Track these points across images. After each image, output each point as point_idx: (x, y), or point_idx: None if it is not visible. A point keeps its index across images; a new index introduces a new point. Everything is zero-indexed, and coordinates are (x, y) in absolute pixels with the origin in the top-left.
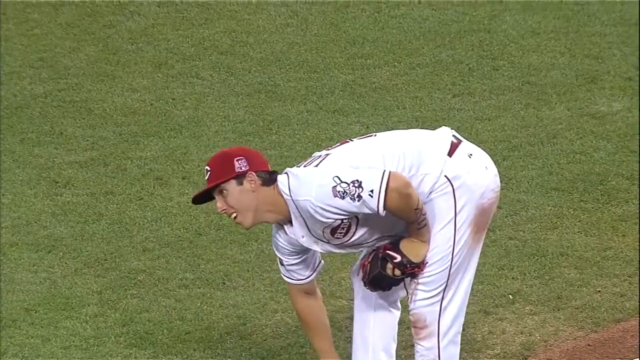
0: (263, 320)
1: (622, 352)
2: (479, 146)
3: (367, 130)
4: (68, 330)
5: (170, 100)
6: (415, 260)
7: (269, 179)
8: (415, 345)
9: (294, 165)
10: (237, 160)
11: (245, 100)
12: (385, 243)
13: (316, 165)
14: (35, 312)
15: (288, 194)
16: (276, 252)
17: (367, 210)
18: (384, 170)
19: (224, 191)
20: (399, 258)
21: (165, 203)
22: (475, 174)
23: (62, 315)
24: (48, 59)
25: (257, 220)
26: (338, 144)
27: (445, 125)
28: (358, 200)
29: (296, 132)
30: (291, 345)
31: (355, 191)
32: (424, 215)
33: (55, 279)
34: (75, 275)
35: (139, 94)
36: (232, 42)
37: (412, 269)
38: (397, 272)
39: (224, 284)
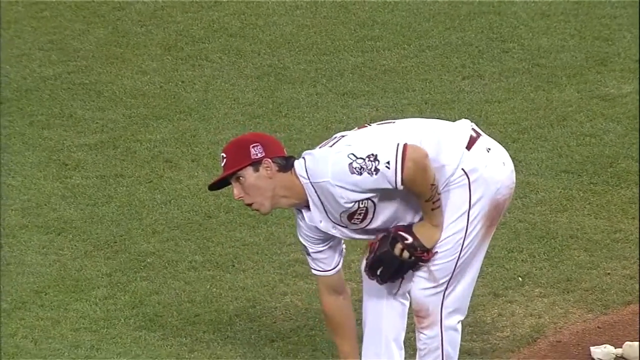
0: (272, 302)
1: (632, 334)
2: (489, 129)
3: (376, 113)
4: (78, 313)
5: (180, 83)
6: (426, 245)
7: (286, 164)
8: (418, 333)
9: (304, 149)
10: (253, 146)
11: (255, 83)
12: (397, 226)
13: (331, 146)
14: (45, 295)
15: (306, 176)
16: (301, 241)
17: (386, 185)
18: (399, 142)
19: (241, 178)
20: (410, 239)
21: (175, 186)
22: (492, 169)
23: (71, 298)
24: (57, 42)
25: (274, 206)
26: (356, 128)
27: (455, 108)
28: (376, 174)
29: (305, 114)
30: (300, 327)
31: (372, 165)
32: (439, 194)
33: (65, 261)
34: (85, 257)
35: (148, 77)
36: (242, 24)
37: (422, 253)
38: (406, 254)
39: (234, 266)
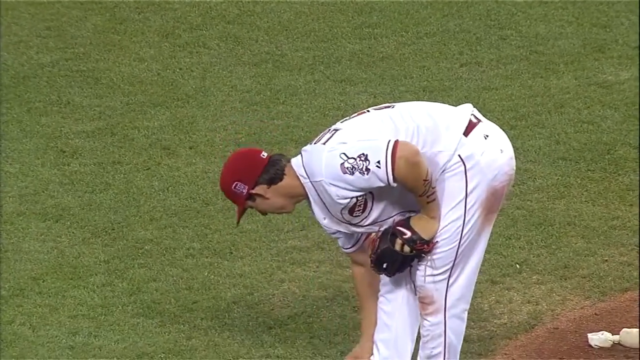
0: (270, 289)
1: (630, 321)
2: (486, 116)
3: (374, 100)
4: (75, 300)
5: (177, 70)
6: (425, 237)
7: (272, 175)
8: (422, 319)
9: (302, 137)
10: (234, 187)
11: (253, 70)
12: (397, 220)
13: (324, 143)
14: (43, 281)
15: (305, 176)
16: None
17: (379, 183)
18: (389, 140)
19: (253, 207)
20: (408, 234)
21: (173, 173)
22: (489, 156)
23: (69, 285)
24: (55, 28)
25: (294, 204)
26: (355, 115)
27: (453, 95)
28: (367, 173)
29: (303, 101)
30: (298, 314)
31: (363, 165)
32: (433, 188)
33: (63, 248)
34: (83, 244)
35: (146, 64)
36: (240, 11)
37: (422, 246)
38: (407, 248)
39: (231, 253)
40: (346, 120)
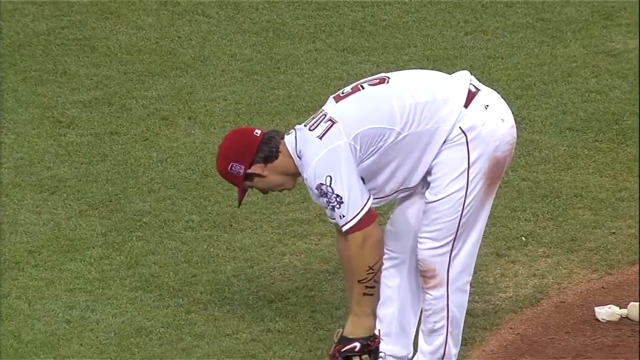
0: (271, 263)
1: (637, 294)
2: (492, 86)
3: (377, 69)
4: (72, 273)
5: (176, 39)
6: (363, 334)
7: (267, 154)
8: (424, 293)
9: (303, 107)
10: (231, 169)
11: (253, 39)
12: (335, 345)
13: (320, 137)
14: (39, 254)
15: (299, 161)
16: None
17: (334, 220)
18: (368, 209)
19: (252, 187)
20: (357, 345)
21: (171, 143)
22: (490, 126)
23: (66, 258)
24: None
25: (294, 183)
26: (349, 91)
27: (457, 64)
28: (331, 209)
29: (304, 71)
30: (299, 288)
31: (334, 201)
32: (375, 282)
33: (59, 220)
34: (80, 216)
35: (143, 32)
36: None
37: (374, 342)
38: (365, 356)
39: (231, 226)
40: (341, 101)
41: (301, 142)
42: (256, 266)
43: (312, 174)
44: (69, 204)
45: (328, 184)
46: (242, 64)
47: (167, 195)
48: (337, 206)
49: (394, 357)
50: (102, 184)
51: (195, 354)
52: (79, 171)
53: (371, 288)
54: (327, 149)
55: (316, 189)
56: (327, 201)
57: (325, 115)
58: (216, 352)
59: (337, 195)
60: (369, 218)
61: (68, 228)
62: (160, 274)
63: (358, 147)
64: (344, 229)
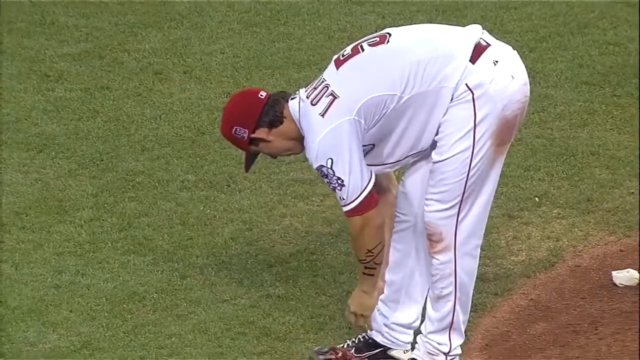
0: (270, 225)
1: None
2: (504, 38)
3: (383, 21)
4: (61, 235)
5: None
6: (358, 310)
7: (271, 118)
8: (431, 258)
9: (304, 60)
10: (234, 132)
11: None
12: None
13: (322, 114)
14: (26, 216)
15: (299, 125)
16: None
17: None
18: (368, 192)
19: (258, 150)
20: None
21: (165, 99)
22: (499, 84)
23: (54, 219)
24: None
25: (302, 147)
26: (350, 53)
27: (468, 15)
28: (332, 189)
29: (306, 22)
30: (300, 251)
31: (335, 183)
32: (376, 264)
33: (48, 180)
34: (69, 176)
35: None
36: None
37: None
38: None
39: (229, 186)
40: (342, 67)
41: (303, 117)
42: (255, 228)
43: (314, 155)
44: (58, 163)
45: (329, 166)
46: (240, 15)
47: (161, 153)
48: (338, 188)
49: (399, 324)
50: (92, 141)
51: (191, 320)
52: (68, 128)
53: (371, 269)
54: (329, 128)
55: (317, 170)
56: (327, 182)
57: (327, 87)
58: (213, 319)
59: (339, 178)
60: (370, 202)
61: (57, 188)
62: (154, 236)
63: (363, 121)
64: (344, 211)
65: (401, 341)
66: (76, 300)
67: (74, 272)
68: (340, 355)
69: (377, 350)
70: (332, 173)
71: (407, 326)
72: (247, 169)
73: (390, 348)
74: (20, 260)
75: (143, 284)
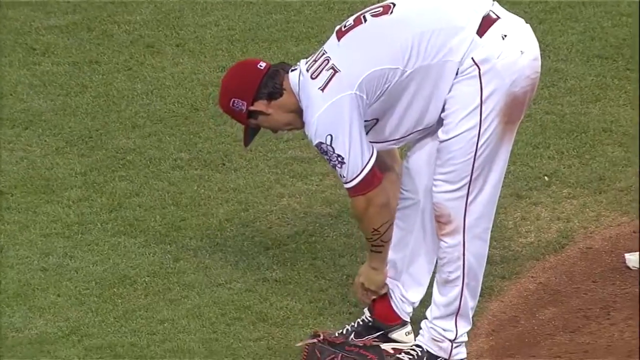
0: (267, 205)
1: None
2: (513, 9)
3: None
4: (48, 216)
5: None
6: (368, 285)
7: (270, 90)
8: (439, 241)
9: (302, 32)
10: (232, 104)
11: None
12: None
13: (322, 88)
14: (12, 196)
15: (302, 104)
16: None
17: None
18: (369, 170)
19: (258, 124)
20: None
21: (157, 74)
22: (507, 58)
23: (41, 199)
24: None
25: (302, 122)
26: (352, 23)
27: None
28: (332, 167)
29: None
30: (299, 233)
31: (335, 161)
32: (383, 242)
33: (34, 158)
34: (57, 154)
35: None
36: None
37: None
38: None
39: (224, 164)
40: (343, 38)
41: (303, 91)
42: (251, 209)
43: (313, 131)
44: (45, 140)
45: (329, 142)
46: None
47: (153, 130)
48: (339, 165)
49: (401, 296)
50: (81, 118)
51: (184, 305)
52: (55, 104)
53: (378, 247)
54: (328, 103)
55: (316, 147)
56: (327, 159)
57: (328, 60)
58: (207, 304)
59: (339, 155)
60: (372, 180)
61: (44, 167)
62: (145, 217)
63: (364, 95)
64: (346, 189)
65: (403, 310)
66: (64, 284)
67: (62, 254)
68: (322, 338)
69: (378, 334)
70: (331, 150)
71: (409, 302)
72: (246, 144)
73: (390, 330)
74: (5, 242)
75: (134, 267)
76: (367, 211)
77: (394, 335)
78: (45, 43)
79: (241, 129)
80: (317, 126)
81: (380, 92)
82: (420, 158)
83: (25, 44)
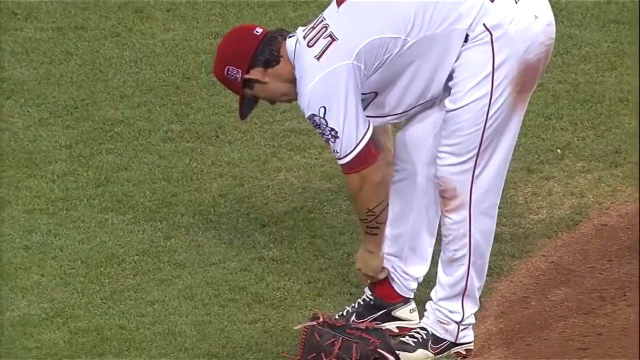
0: (264, 180)
1: None
2: None
3: None
4: (31, 191)
5: None
6: (364, 270)
7: (267, 57)
8: (443, 217)
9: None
10: (227, 72)
11: None
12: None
13: (318, 57)
14: None
15: (293, 63)
16: None
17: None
18: (364, 145)
19: (254, 94)
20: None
21: (147, 40)
22: (520, 24)
23: (24, 174)
24: None
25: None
26: None
27: None
28: (325, 141)
29: None
30: (297, 209)
31: (328, 134)
32: (378, 223)
33: (16, 130)
34: (40, 125)
35: None
36: None
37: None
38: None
39: (217, 137)
40: (343, 5)
41: (297, 60)
42: (246, 184)
43: (306, 103)
44: (27, 111)
45: (322, 115)
46: None
47: (142, 101)
48: (332, 140)
49: (404, 272)
50: (66, 87)
51: (176, 285)
52: (38, 72)
53: (373, 228)
54: (324, 73)
55: (309, 119)
56: (320, 133)
57: (326, 27)
58: (200, 284)
59: (332, 129)
60: (367, 157)
61: (26, 139)
62: (134, 193)
63: (362, 65)
64: (340, 165)
65: (406, 287)
66: (48, 263)
67: (46, 232)
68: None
69: (380, 313)
70: (324, 123)
71: (413, 278)
72: (242, 115)
73: (394, 308)
74: None
75: (122, 245)
76: (361, 190)
77: (398, 312)
78: (28, 7)
79: (236, 99)
80: (310, 97)
81: (380, 63)
82: (419, 127)
83: (6, 9)
